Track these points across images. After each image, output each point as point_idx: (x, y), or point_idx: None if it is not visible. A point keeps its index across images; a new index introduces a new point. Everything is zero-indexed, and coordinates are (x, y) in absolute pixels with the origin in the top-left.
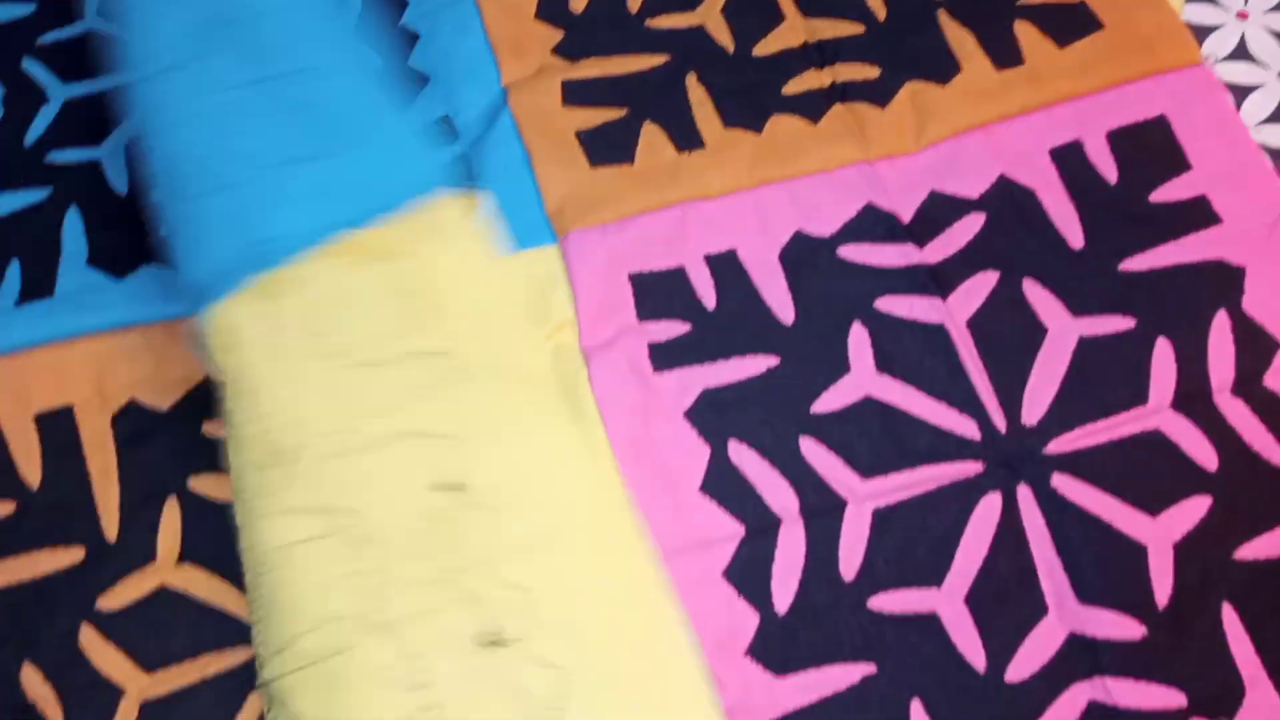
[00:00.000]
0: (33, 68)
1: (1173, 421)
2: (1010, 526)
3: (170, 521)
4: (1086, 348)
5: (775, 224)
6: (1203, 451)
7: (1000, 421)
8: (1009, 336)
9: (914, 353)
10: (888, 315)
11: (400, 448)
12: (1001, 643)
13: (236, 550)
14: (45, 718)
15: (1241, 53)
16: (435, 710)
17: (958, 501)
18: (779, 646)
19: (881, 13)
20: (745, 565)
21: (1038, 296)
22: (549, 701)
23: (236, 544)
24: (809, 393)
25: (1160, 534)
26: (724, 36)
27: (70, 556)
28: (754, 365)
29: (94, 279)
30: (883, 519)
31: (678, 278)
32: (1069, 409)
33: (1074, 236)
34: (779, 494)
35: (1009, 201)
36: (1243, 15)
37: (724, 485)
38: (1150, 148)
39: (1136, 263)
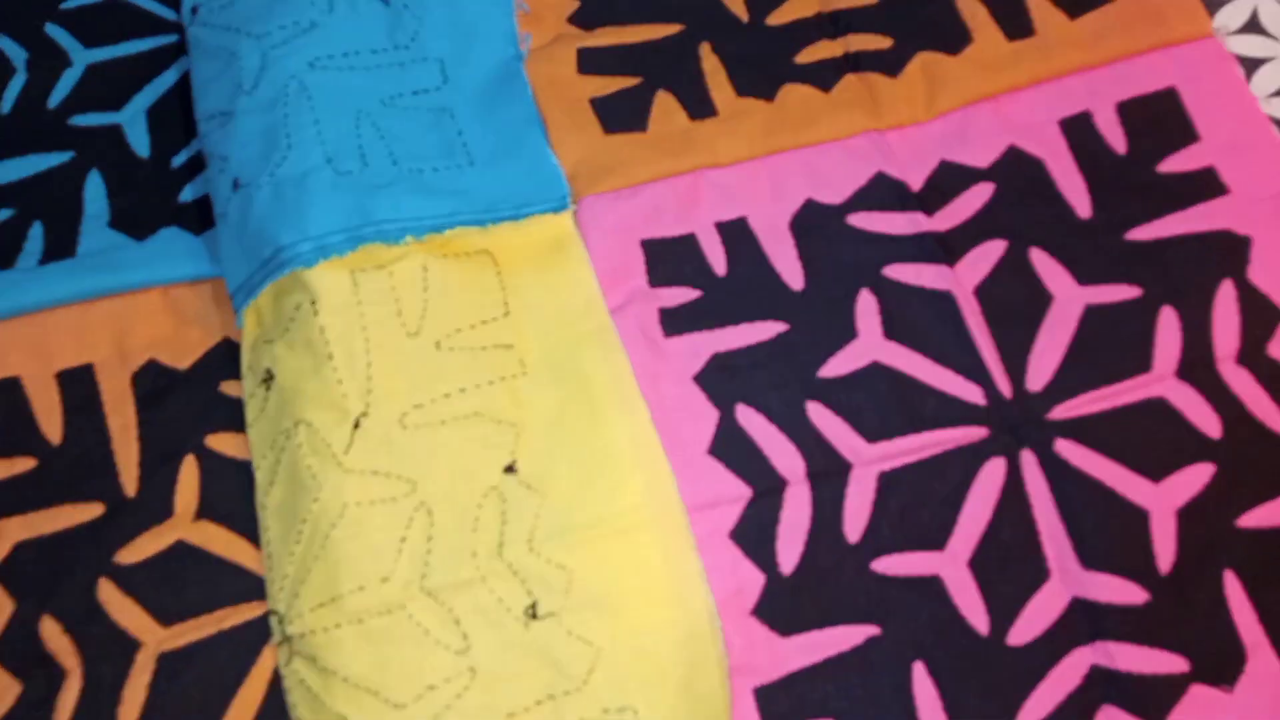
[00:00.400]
0: (55, 32)
1: (1177, 389)
2: (1014, 491)
3: (188, 478)
4: (1092, 316)
5: (786, 192)
6: (1206, 419)
7: (1005, 387)
8: (1016, 304)
9: (921, 319)
10: (896, 282)
11: (463, 427)
12: (1004, 606)
13: (253, 507)
14: (64, 668)
15: (1253, 26)
16: (468, 675)
17: (962, 466)
18: (784, 607)
19: None
20: (751, 526)
21: (1045, 265)
22: (575, 674)
23: (254, 501)
24: (817, 358)
25: (1163, 500)
26: (738, 6)
27: (90, 511)
28: (763, 331)
29: (115, 240)
30: (888, 482)
31: (689, 244)
32: (1074, 376)
33: (1082, 206)
34: (786, 457)
35: (1018, 171)
36: None
37: (732, 448)
38: (1159, 119)
39: (1143, 232)
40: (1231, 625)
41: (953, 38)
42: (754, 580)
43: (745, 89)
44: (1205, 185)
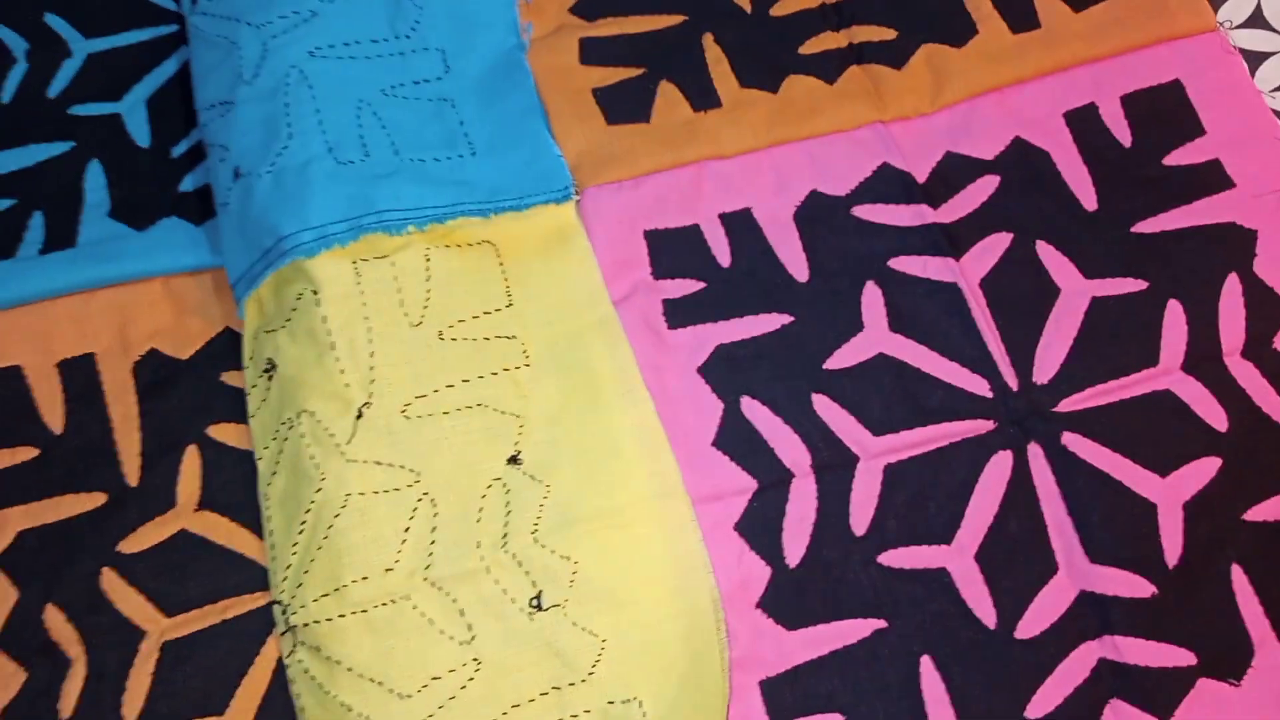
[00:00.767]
0: (55, 21)
1: (1183, 383)
2: (1021, 484)
3: (190, 468)
4: (1098, 308)
5: (790, 183)
6: (1213, 413)
7: (1012, 380)
8: (1022, 297)
9: (927, 312)
10: (901, 274)
11: (466, 418)
12: (1012, 600)
13: (255, 497)
14: (68, 657)
15: (1257, 20)
16: (473, 665)
17: (969, 459)
18: (790, 600)
19: None
20: (757, 518)
21: (1051, 258)
22: (580, 665)
23: (256, 490)
24: (822, 350)
25: (1170, 494)
26: None
27: (93, 501)
28: (768, 323)
29: (116, 230)
30: (894, 475)
31: (693, 235)
32: (1080, 369)
33: (1087, 199)
34: (791, 449)
35: (1023, 163)
36: None
37: (736, 440)
38: (1164, 112)
39: (1149, 225)
40: (1239, 619)
41: (957, 30)
42: (760, 573)
43: (749, 80)
44: (1211, 179)
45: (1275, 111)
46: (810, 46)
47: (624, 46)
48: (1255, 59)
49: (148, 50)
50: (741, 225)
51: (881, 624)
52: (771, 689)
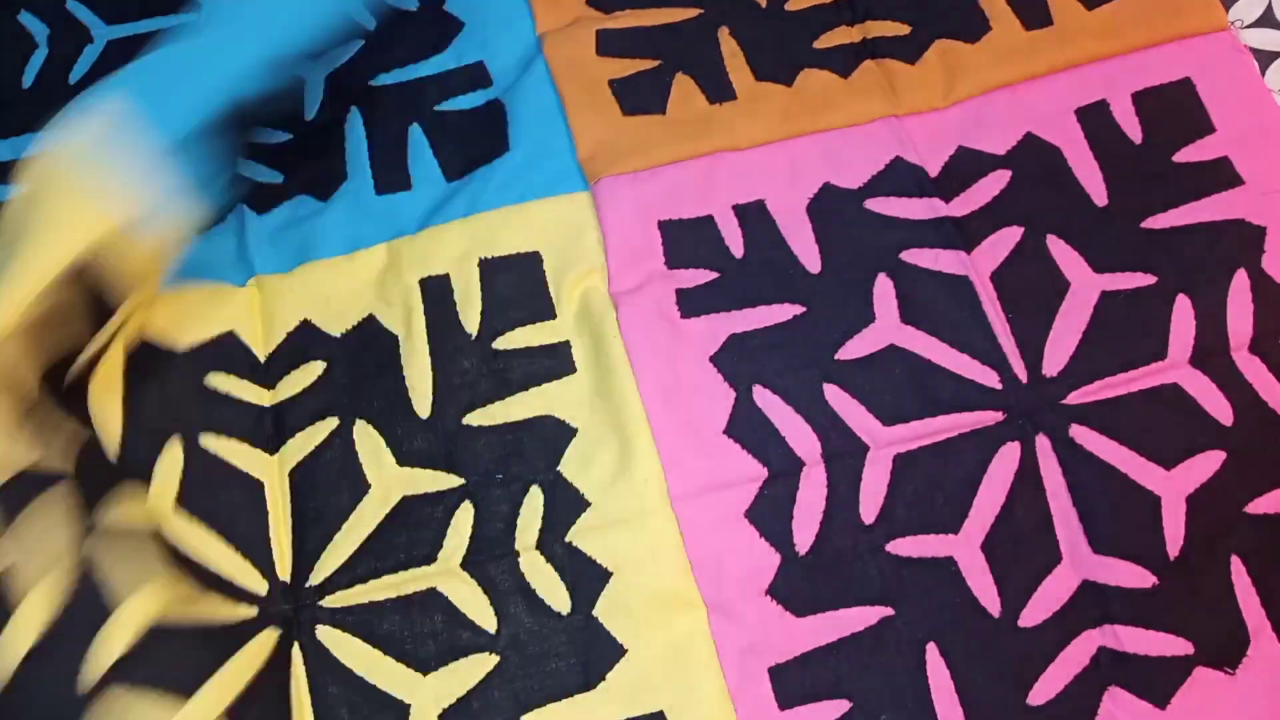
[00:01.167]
0: (76, 8)
1: (1190, 377)
2: (1028, 476)
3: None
4: (1108, 303)
5: (804, 176)
6: (1218, 407)
7: (1021, 373)
8: (1032, 290)
9: (938, 304)
10: (913, 267)
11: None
12: (1016, 589)
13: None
14: None
15: (1268, 19)
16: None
17: (977, 449)
18: (799, 587)
19: None
20: (767, 506)
21: (1061, 252)
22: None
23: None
24: (833, 340)
25: (1174, 486)
26: None
27: None
28: (780, 313)
29: None
30: (903, 465)
31: (706, 226)
32: (1089, 362)
33: (1098, 194)
34: (802, 438)
35: (1035, 159)
36: None
37: (747, 428)
38: (1175, 110)
39: (1159, 221)
40: (1236, 609)
41: (971, 26)
42: (769, 560)
43: (764, 73)
44: (1220, 176)
45: None
46: (825, 41)
47: (640, 39)
48: (1266, 58)
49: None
50: (755, 216)
51: (889, 612)
52: (779, 675)
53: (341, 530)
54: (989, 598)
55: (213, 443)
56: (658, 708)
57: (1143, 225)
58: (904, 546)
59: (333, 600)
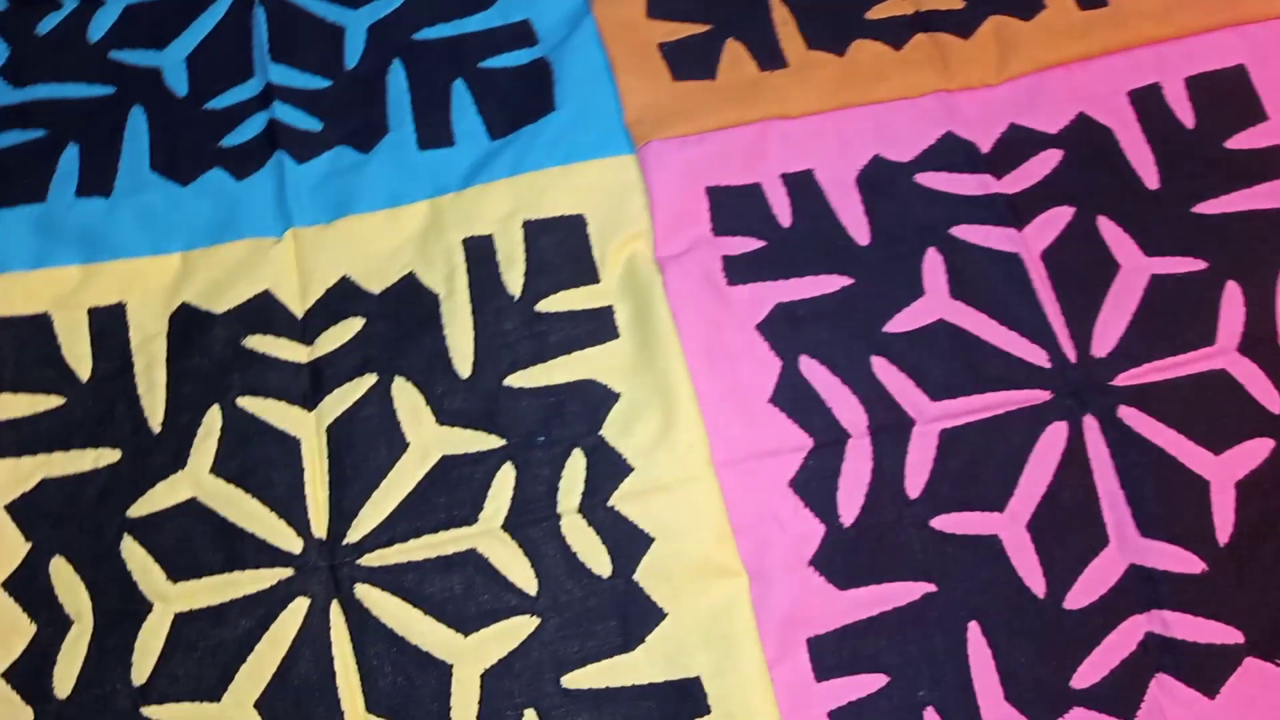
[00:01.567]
0: None
1: (1239, 364)
2: (1075, 456)
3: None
4: (1157, 286)
5: (854, 147)
6: (1267, 394)
7: (1070, 352)
8: (1082, 270)
9: (988, 280)
10: (963, 242)
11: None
12: (1062, 570)
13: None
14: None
15: None
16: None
17: (1024, 428)
18: (842, 559)
19: None
20: (812, 477)
21: (1112, 233)
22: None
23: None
24: (882, 313)
25: (1223, 471)
26: None
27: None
28: (828, 283)
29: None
30: (949, 440)
31: (754, 194)
32: (1138, 344)
33: (1149, 177)
34: (848, 409)
35: (1087, 139)
36: None
37: (794, 398)
38: (1228, 96)
39: (1210, 207)
40: None
41: (1025, 3)
42: (814, 530)
43: (816, 42)
44: (1273, 164)
45: None
46: (877, 12)
47: (692, 2)
48: None
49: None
50: (803, 186)
51: (931, 588)
52: (818, 647)
53: (380, 488)
54: (1034, 578)
55: (250, 403)
56: (694, 673)
57: (1193, 210)
58: (948, 523)
59: (371, 559)
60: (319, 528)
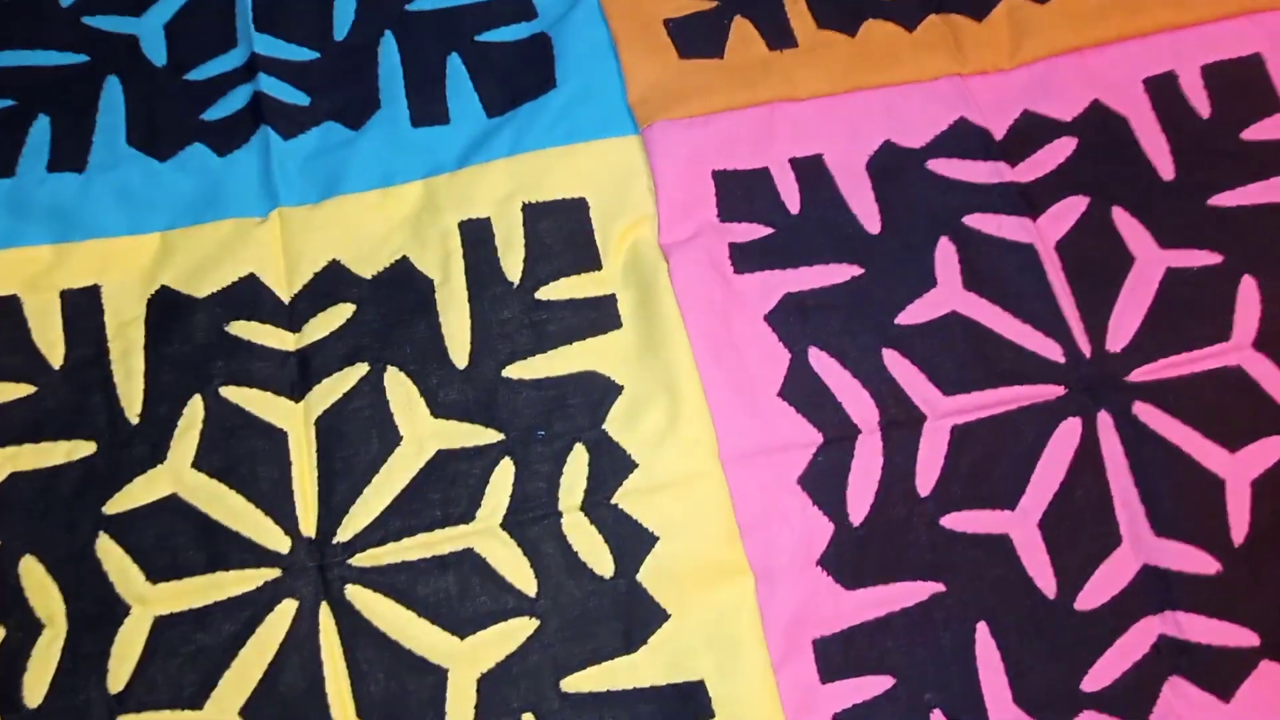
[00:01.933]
0: None
1: (1254, 360)
2: (1088, 453)
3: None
4: (1173, 279)
5: (864, 131)
6: None
7: (1085, 346)
8: (1097, 262)
9: (1002, 271)
10: (976, 231)
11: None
12: (1073, 570)
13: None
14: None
15: None
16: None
17: (1037, 424)
18: (851, 559)
19: None
20: (821, 473)
21: (1127, 225)
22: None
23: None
24: (893, 304)
25: (1239, 470)
26: None
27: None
28: (837, 273)
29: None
30: (961, 436)
31: (762, 178)
32: (1153, 339)
33: (1165, 168)
34: (859, 404)
35: (1101, 127)
36: None
37: (803, 392)
38: (1244, 85)
39: (1226, 199)
40: None
41: None
42: (822, 529)
43: (826, 21)
44: None
45: None
46: None
47: None
48: None
49: None
50: (812, 171)
51: (940, 588)
52: (824, 648)
53: (371, 484)
54: (1044, 578)
55: (233, 393)
56: (698, 676)
57: (1210, 202)
58: (958, 521)
59: (362, 559)
60: (307, 526)
